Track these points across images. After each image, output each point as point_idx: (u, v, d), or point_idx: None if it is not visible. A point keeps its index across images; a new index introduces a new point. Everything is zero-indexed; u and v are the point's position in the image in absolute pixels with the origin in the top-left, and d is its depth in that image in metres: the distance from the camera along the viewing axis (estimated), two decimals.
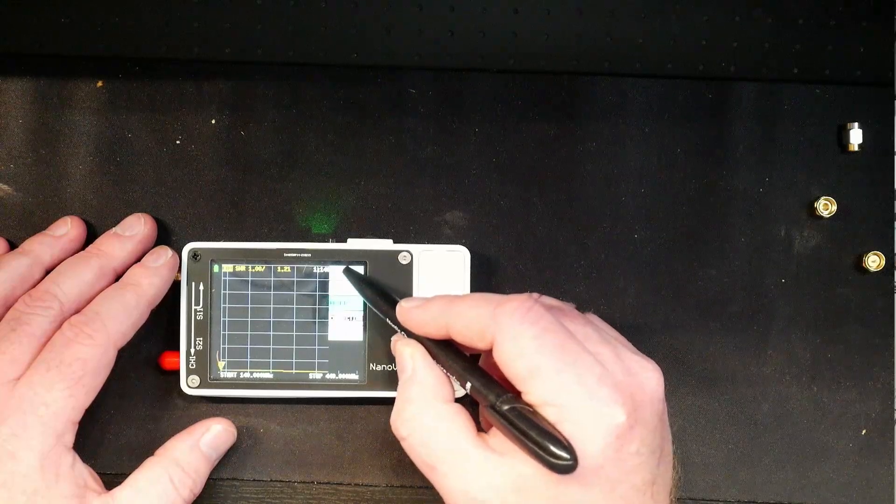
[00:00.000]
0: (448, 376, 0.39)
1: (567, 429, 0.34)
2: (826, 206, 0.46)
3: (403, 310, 0.39)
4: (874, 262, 0.46)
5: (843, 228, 0.47)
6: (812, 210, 0.46)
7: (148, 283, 0.43)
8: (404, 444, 0.38)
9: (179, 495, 0.41)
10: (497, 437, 0.36)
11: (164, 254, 0.44)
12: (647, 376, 0.37)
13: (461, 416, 0.37)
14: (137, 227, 0.44)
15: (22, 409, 0.38)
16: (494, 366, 0.37)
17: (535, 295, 0.38)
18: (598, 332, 0.38)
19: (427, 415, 0.37)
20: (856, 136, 0.46)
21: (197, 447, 0.43)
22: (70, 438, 0.40)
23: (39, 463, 0.38)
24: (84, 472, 0.40)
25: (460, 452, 0.36)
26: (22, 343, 0.40)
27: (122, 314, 0.41)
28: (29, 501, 0.38)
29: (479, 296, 0.38)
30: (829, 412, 0.47)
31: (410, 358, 0.39)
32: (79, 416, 0.40)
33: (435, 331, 0.38)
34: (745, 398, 0.46)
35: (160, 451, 0.42)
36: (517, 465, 0.35)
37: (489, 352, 0.37)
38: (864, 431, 0.47)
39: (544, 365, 0.34)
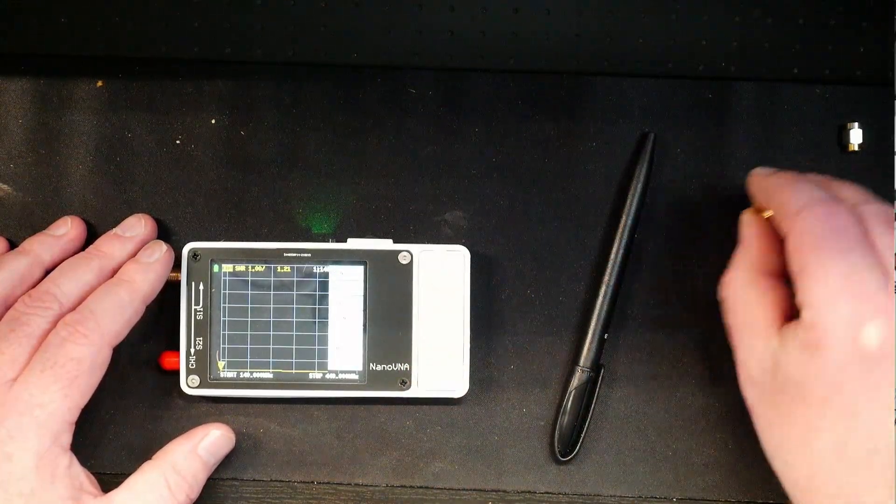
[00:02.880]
0: (780, 249, 0.39)
1: (816, 334, 0.34)
2: None
3: (753, 176, 0.42)
4: None
5: None
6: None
7: (142, 278, 0.42)
8: (723, 307, 0.40)
9: (176, 500, 0.41)
10: (785, 333, 0.36)
11: (159, 249, 0.44)
12: None
13: (774, 293, 0.38)
14: (137, 227, 0.44)
15: (18, 411, 0.38)
16: None
17: (868, 200, 0.38)
18: None
19: (743, 281, 0.39)
20: (856, 136, 0.46)
21: (195, 452, 0.43)
22: (67, 439, 0.40)
23: (35, 464, 0.38)
24: (80, 474, 0.40)
25: (756, 326, 0.38)
26: (21, 343, 0.40)
27: (117, 312, 0.41)
28: (25, 502, 0.38)
29: (806, 183, 0.38)
30: None
31: (745, 225, 0.41)
32: (75, 416, 0.40)
33: (761, 201, 0.40)
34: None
35: (158, 455, 0.42)
36: (781, 353, 0.36)
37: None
38: None
39: (812, 264, 0.35)
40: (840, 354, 0.34)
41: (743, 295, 0.39)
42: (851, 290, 0.34)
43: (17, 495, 0.38)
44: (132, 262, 0.43)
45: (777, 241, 0.39)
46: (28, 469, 0.38)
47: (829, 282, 0.34)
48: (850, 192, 0.39)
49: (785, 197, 0.38)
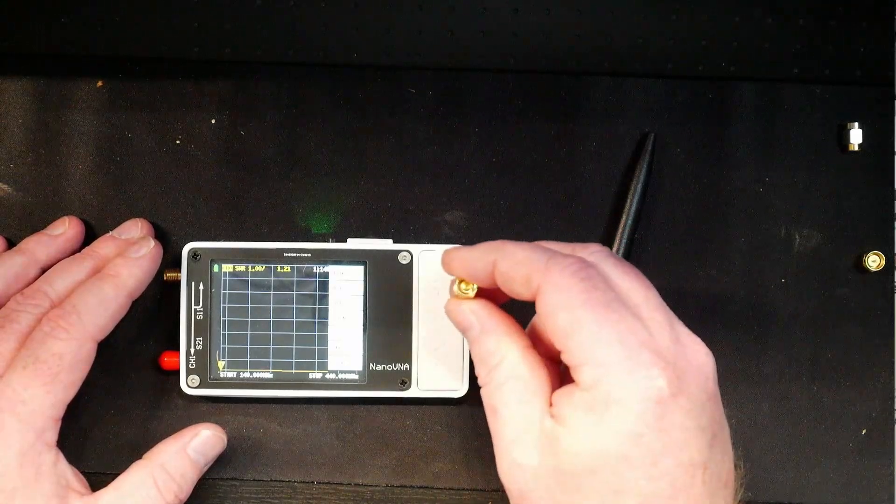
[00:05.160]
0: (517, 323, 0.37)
1: (604, 390, 0.32)
2: None
3: (449, 251, 0.38)
4: (874, 262, 0.46)
5: (843, 228, 0.47)
6: (812, 210, 0.46)
7: (127, 273, 0.42)
8: (483, 392, 0.37)
9: (164, 499, 0.40)
10: (559, 406, 0.34)
11: (146, 245, 0.43)
12: (696, 350, 0.35)
13: (542, 369, 0.36)
14: (134, 231, 0.44)
15: (0, 408, 0.38)
16: (538, 336, 0.37)
17: (604, 250, 0.36)
18: (658, 300, 0.36)
19: (513, 361, 0.36)
20: (856, 136, 0.46)
21: (184, 452, 0.42)
22: (52, 436, 0.39)
23: (18, 461, 0.38)
24: (67, 472, 0.40)
25: (531, 405, 0.35)
26: (9, 340, 0.40)
27: (100, 307, 0.41)
28: (8, 500, 0.38)
29: (534, 244, 0.36)
30: (829, 412, 0.47)
31: (472, 313, 0.37)
32: (59, 412, 0.40)
33: (480, 270, 0.36)
34: (745, 398, 0.46)
35: (147, 455, 0.42)
36: (560, 428, 0.33)
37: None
38: (864, 431, 0.47)
39: (586, 320, 0.33)
40: (634, 405, 0.32)
41: (515, 377, 0.36)
42: (629, 340, 0.33)
43: (0, 492, 0.38)
44: (119, 257, 0.43)
45: (509, 316, 0.37)
46: (11, 466, 0.38)
47: (606, 336, 0.33)
48: (563, 246, 0.37)
49: (520, 255, 0.35)
